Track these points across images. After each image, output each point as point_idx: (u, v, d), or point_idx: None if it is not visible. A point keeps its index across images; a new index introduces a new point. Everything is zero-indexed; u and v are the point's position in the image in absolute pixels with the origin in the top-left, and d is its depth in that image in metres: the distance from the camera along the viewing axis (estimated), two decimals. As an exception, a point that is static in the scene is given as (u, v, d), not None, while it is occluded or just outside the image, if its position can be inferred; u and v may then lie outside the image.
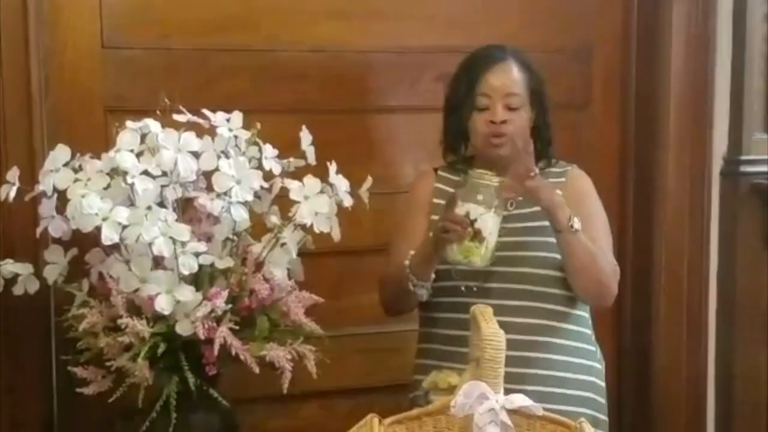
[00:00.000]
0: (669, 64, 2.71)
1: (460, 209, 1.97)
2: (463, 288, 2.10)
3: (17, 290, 2.04)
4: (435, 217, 2.14)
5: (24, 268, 2.04)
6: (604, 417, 2.20)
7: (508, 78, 2.12)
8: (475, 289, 2.09)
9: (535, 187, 2.02)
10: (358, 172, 2.14)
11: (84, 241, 1.99)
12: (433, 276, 2.08)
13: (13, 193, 1.98)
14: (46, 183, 1.95)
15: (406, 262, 2.07)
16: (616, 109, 2.79)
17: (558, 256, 2.09)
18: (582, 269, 2.08)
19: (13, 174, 1.99)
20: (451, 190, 2.18)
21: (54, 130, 2.21)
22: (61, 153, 1.96)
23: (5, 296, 2.05)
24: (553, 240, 2.08)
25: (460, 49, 2.23)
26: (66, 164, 1.95)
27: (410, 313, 2.23)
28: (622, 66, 2.77)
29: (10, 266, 2.03)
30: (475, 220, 1.96)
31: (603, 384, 2.22)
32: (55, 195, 1.96)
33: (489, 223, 1.97)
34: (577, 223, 2.04)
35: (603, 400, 2.21)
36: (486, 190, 1.98)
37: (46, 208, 1.98)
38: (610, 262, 2.14)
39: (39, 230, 2.00)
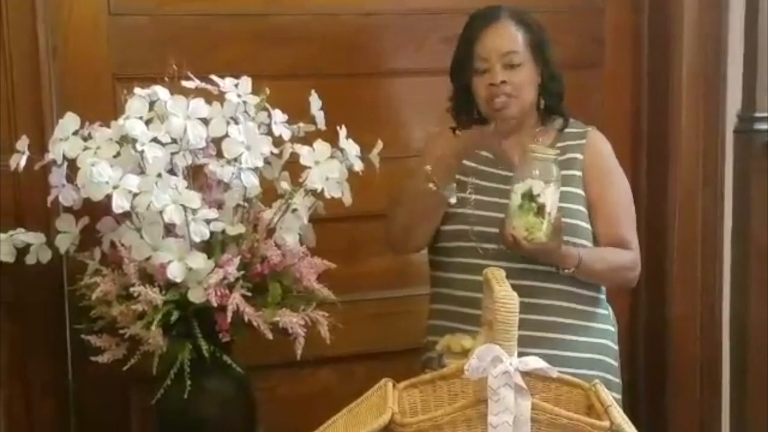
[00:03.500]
0: (681, 20, 2.68)
1: (520, 187, 1.96)
2: (480, 250, 2.09)
3: (30, 260, 2.04)
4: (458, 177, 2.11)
5: (36, 238, 2.05)
6: (616, 379, 2.20)
7: (504, 37, 2.09)
8: (492, 251, 2.08)
9: (532, 250, 1.99)
10: (368, 136, 2.13)
11: (95, 210, 1.99)
12: (454, 185, 2.06)
13: (23, 163, 1.98)
14: (55, 152, 1.94)
15: (428, 167, 2.03)
16: (627, 68, 2.76)
17: (573, 221, 2.07)
18: (599, 282, 2.15)
19: (23, 143, 1.99)
20: None
21: (63, 98, 2.21)
22: (70, 121, 1.96)
23: (18, 266, 2.05)
24: (572, 206, 2.07)
25: (467, 9, 2.20)
26: (75, 132, 1.95)
27: (423, 276, 2.22)
28: (633, 24, 2.74)
29: (22, 236, 2.04)
30: (538, 195, 1.95)
31: (616, 347, 2.22)
32: (65, 164, 1.95)
33: (550, 197, 1.96)
34: (583, 260, 2.04)
35: (616, 363, 2.21)
36: (543, 163, 1.97)
37: (57, 176, 1.98)
38: (627, 260, 2.14)
39: (50, 199, 2.00)
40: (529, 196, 1.96)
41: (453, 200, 2.06)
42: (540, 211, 1.96)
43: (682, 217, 2.74)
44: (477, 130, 2.05)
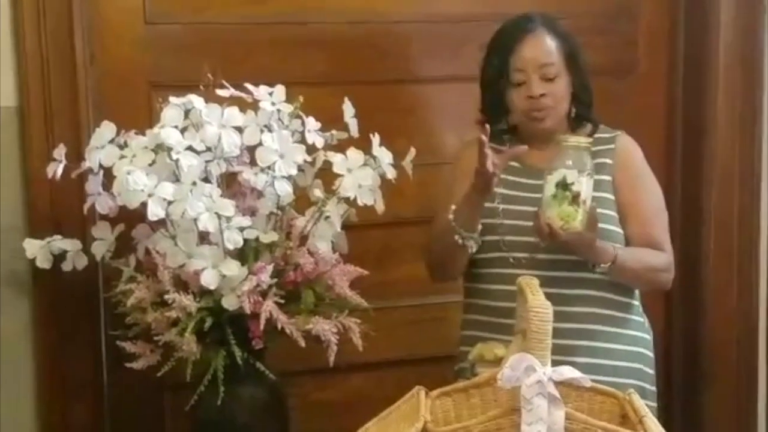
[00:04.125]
0: (718, 22, 2.66)
1: (554, 176, 1.95)
2: (511, 260, 2.08)
3: (66, 266, 2.07)
4: None
5: (72, 245, 2.07)
6: (652, 387, 2.18)
7: (541, 49, 2.07)
8: (524, 260, 2.07)
9: (565, 240, 1.97)
10: (402, 143, 2.13)
11: (131, 217, 2.02)
12: (479, 227, 2.05)
13: (60, 171, 2.00)
14: (92, 160, 1.97)
15: (450, 216, 2.04)
16: (662, 73, 2.74)
17: (604, 226, 2.06)
18: (633, 284, 2.13)
19: (60, 151, 2.02)
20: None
21: (99, 106, 2.23)
22: (106, 130, 1.98)
23: (54, 272, 2.08)
24: (602, 210, 2.06)
25: (503, 17, 2.19)
26: (111, 141, 1.97)
27: (455, 283, 2.22)
28: (668, 27, 2.72)
29: (58, 242, 2.07)
30: (572, 183, 1.93)
31: (651, 354, 2.20)
32: (102, 172, 1.98)
33: (584, 186, 1.94)
34: (618, 257, 2.02)
35: (651, 371, 2.19)
36: (576, 153, 1.96)
37: (93, 184, 2.00)
38: (662, 262, 2.12)
39: (86, 207, 2.03)
40: (563, 185, 1.94)
41: (473, 250, 2.07)
42: (575, 199, 1.94)
43: (717, 220, 2.71)
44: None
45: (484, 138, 1.94)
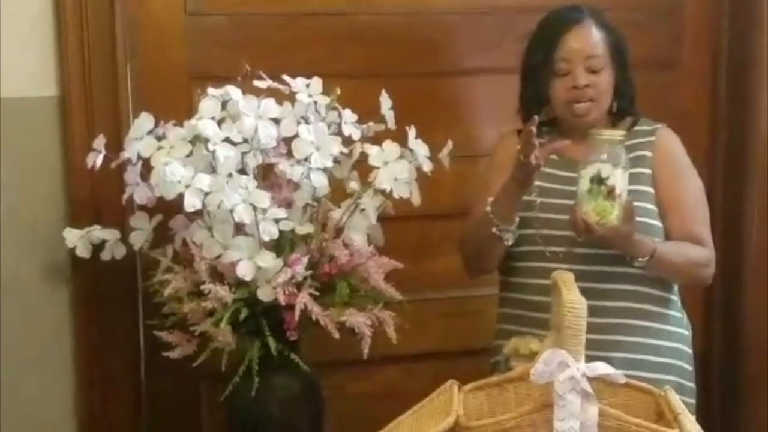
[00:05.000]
0: (763, 19, 2.61)
1: (589, 171, 1.93)
2: (548, 253, 2.07)
3: (105, 255, 2.09)
4: None
5: (111, 234, 2.10)
6: (690, 384, 2.16)
7: (588, 40, 2.06)
8: (560, 254, 2.06)
9: (601, 235, 1.95)
10: (439, 135, 2.12)
11: (168, 208, 2.03)
12: (517, 220, 2.04)
13: (99, 161, 2.03)
14: (130, 151, 1.99)
15: (488, 208, 2.03)
16: (706, 69, 2.70)
17: (643, 220, 2.04)
18: (673, 278, 2.10)
19: (100, 142, 2.04)
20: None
21: (139, 97, 2.25)
22: (145, 121, 2.00)
23: (93, 261, 2.11)
24: (642, 204, 2.04)
25: (543, 8, 2.17)
26: (150, 132, 1.99)
27: (491, 276, 2.21)
28: (712, 22, 2.68)
29: (97, 232, 2.09)
30: (607, 178, 1.92)
31: (690, 350, 2.17)
32: (140, 162, 2.00)
33: (619, 179, 1.93)
34: (657, 250, 2.00)
35: (689, 367, 2.16)
36: (611, 147, 1.94)
37: (131, 175, 2.02)
38: (702, 257, 2.09)
39: (125, 197, 2.05)
40: (598, 180, 1.92)
41: (509, 242, 2.05)
42: (610, 194, 1.92)
43: (759, 217, 2.66)
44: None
45: (533, 129, 1.92)
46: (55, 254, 2.16)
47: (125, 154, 2.00)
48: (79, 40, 2.17)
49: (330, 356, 2.04)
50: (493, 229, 2.03)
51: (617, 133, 1.98)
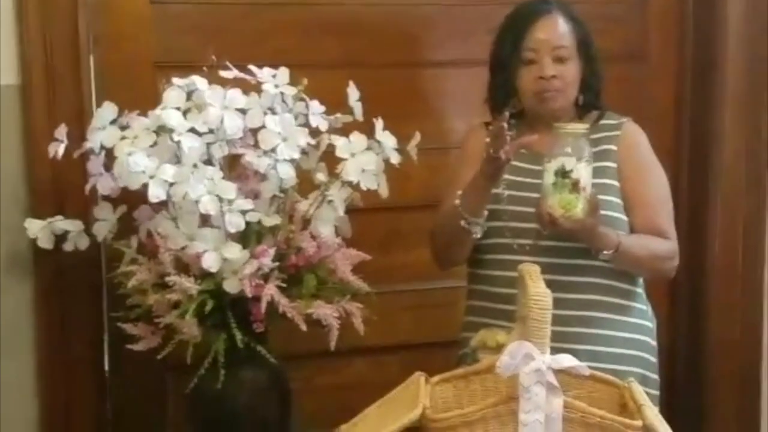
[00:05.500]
0: (726, 10, 2.63)
1: (553, 164, 1.94)
2: (515, 246, 2.07)
3: (67, 247, 2.07)
4: None
5: (74, 225, 2.07)
6: (654, 375, 2.17)
7: (555, 31, 2.08)
8: (527, 247, 2.06)
9: (567, 228, 1.96)
10: (408, 127, 2.12)
11: (133, 198, 2.01)
12: (485, 213, 2.05)
13: (61, 151, 2.00)
14: (93, 140, 1.96)
15: (457, 201, 2.04)
16: (672, 60, 2.71)
17: (608, 213, 2.05)
18: (637, 271, 2.12)
19: (62, 131, 2.01)
20: None
21: (103, 87, 2.22)
22: (107, 110, 1.97)
23: (56, 253, 2.08)
24: (607, 197, 2.05)
25: (513, 1, 2.18)
26: (113, 122, 1.96)
27: (459, 269, 2.21)
28: (678, 14, 2.69)
29: (60, 223, 2.06)
30: (571, 171, 1.93)
31: (654, 342, 2.19)
32: (103, 152, 1.97)
33: (583, 172, 1.94)
34: (622, 243, 2.01)
35: (653, 359, 2.18)
36: (574, 140, 1.95)
37: (94, 165, 2.00)
38: (666, 249, 2.11)
39: (88, 187, 2.02)
40: (562, 173, 1.93)
41: (478, 235, 2.06)
42: (574, 187, 1.93)
43: (723, 211, 2.69)
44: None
45: (504, 124, 1.93)
46: (17, 245, 2.13)
47: (88, 144, 1.98)
48: (41, 27, 2.13)
49: (297, 348, 2.03)
50: (462, 222, 2.03)
51: (581, 127, 1.99)
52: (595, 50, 2.13)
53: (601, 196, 2.02)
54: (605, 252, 2.01)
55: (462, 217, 2.03)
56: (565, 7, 2.12)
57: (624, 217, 2.10)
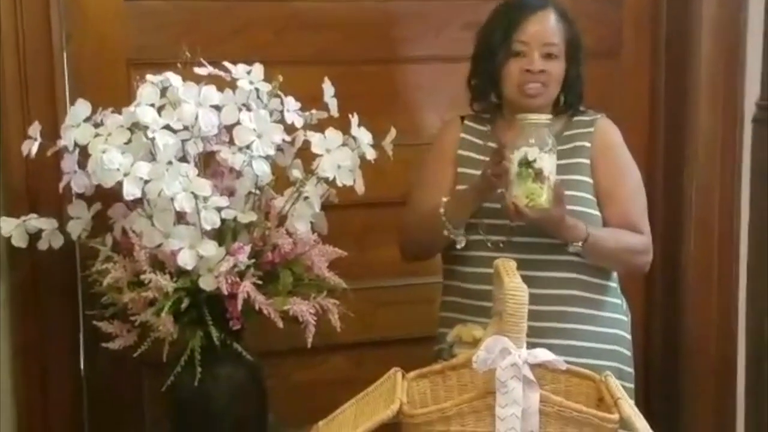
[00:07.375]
0: (701, 7, 2.65)
1: (516, 155, 1.94)
2: (489, 243, 2.08)
3: (42, 245, 2.05)
4: (462, 170, 2.12)
5: (48, 223, 2.05)
6: (629, 369, 2.19)
7: (548, 26, 2.08)
8: (501, 244, 2.07)
9: (533, 219, 1.97)
10: (383, 123, 2.11)
11: (107, 196, 2.00)
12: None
13: (35, 149, 1.98)
14: (67, 138, 1.95)
15: (441, 210, 2.05)
16: (646, 57, 2.73)
17: (581, 209, 2.06)
18: (609, 264, 2.12)
19: (35, 129, 1.99)
20: (478, 140, 2.16)
21: (76, 84, 2.21)
22: (81, 108, 1.96)
23: (30, 251, 2.06)
24: (580, 193, 2.06)
25: (486, -1, 2.19)
26: (87, 119, 1.95)
27: (435, 265, 2.21)
28: (652, 12, 2.71)
29: (34, 221, 2.05)
30: (534, 160, 1.93)
31: (629, 336, 2.20)
32: (77, 150, 1.96)
33: (547, 162, 1.94)
34: (591, 234, 2.02)
35: (629, 353, 2.19)
36: (537, 130, 1.95)
37: (68, 163, 1.98)
38: (638, 243, 2.12)
39: (62, 185, 2.01)
40: (526, 163, 1.94)
41: (461, 245, 2.07)
42: (538, 176, 1.94)
43: (698, 206, 2.71)
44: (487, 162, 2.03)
45: (504, 150, 1.96)
46: (-10, 244, 2.12)
47: (62, 142, 1.96)
48: (13, 23, 2.12)
49: (274, 345, 2.03)
50: (445, 232, 2.05)
51: (543, 117, 1.99)
52: (582, 54, 2.14)
53: (573, 192, 2.03)
54: (574, 244, 2.02)
55: (446, 227, 2.05)
56: (560, 7, 2.13)
57: (596, 213, 2.10)
